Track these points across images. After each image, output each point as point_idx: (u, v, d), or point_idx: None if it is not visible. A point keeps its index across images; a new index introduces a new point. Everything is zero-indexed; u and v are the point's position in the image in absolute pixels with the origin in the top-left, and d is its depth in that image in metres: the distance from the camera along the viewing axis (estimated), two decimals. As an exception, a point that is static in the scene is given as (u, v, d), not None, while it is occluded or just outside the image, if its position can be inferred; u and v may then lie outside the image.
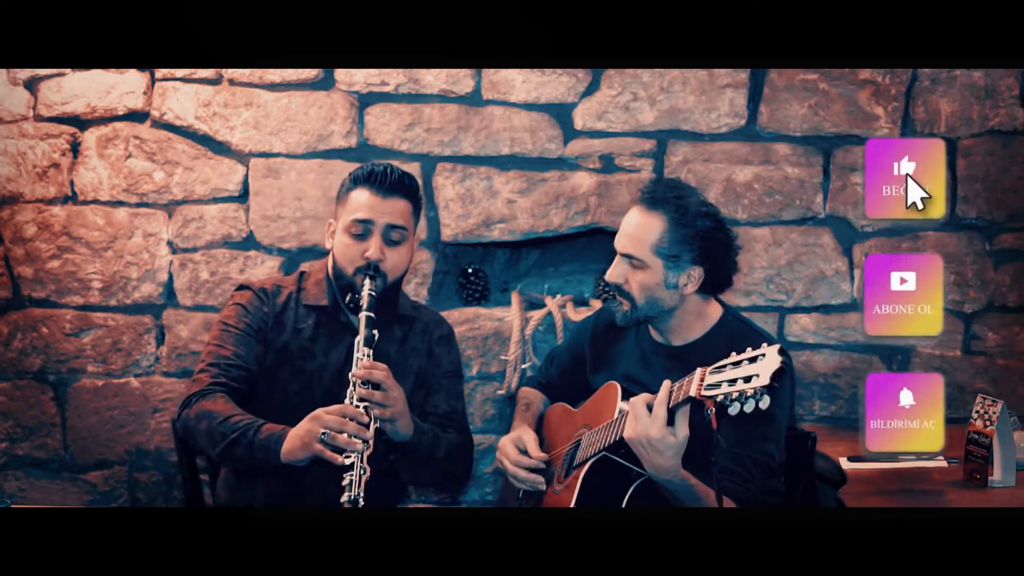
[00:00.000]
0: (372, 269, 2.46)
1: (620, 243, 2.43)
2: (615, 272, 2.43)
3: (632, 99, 3.26)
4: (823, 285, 3.29)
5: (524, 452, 2.52)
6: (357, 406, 2.31)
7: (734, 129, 3.27)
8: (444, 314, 3.28)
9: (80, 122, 3.31)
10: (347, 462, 2.23)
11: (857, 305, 3.27)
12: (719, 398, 1.99)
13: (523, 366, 3.26)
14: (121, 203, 3.32)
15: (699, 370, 2.07)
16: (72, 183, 3.32)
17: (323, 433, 2.24)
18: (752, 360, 1.99)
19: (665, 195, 2.40)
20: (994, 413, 2.49)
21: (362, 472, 2.23)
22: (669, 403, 2.11)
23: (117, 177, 3.31)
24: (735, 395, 1.97)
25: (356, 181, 2.52)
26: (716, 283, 2.44)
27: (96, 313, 3.35)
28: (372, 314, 2.41)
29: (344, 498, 2.20)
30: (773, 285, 3.29)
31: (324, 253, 2.80)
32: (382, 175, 2.49)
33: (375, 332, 2.40)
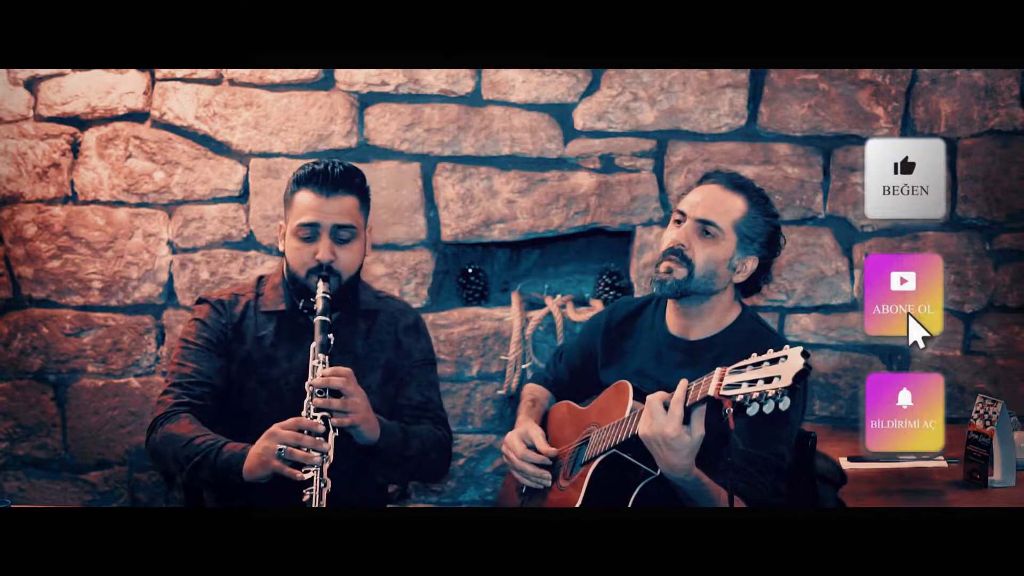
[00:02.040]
0: (324, 270, 2.43)
1: (698, 210, 2.41)
2: (683, 234, 2.42)
3: (632, 99, 3.26)
4: (823, 285, 3.29)
5: (531, 447, 2.51)
6: (314, 417, 2.26)
7: (734, 129, 3.27)
8: (444, 314, 3.29)
9: (80, 122, 3.30)
10: (306, 477, 2.19)
11: (857, 305, 3.27)
12: (738, 398, 1.97)
13: (523, 366, 3.26)
14: (121, 203, 3.32)
15: (718, 370, 2.05)
16: (72, 183, 3.32)
17: (280, 449, 2.21)
18: (773, 361, 1.97)
19: (745, 183, 2.46)
20: (994, 413, 2.49)
21: (322, 486, 2.19)
22: (686, 402, 2.10)
23: (117, 177, 3.31)
24: (755, 396, 1.95)
25: (299, 182, 2.47)
26: (757, 282, 2.48)
27: (96, 313, 3.35)
28: (327, 318, 2.37)
29: None
30: (773, 285, 3.29)
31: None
32: (323, 174, 2.44)
33: (331, 337, 2.36)
